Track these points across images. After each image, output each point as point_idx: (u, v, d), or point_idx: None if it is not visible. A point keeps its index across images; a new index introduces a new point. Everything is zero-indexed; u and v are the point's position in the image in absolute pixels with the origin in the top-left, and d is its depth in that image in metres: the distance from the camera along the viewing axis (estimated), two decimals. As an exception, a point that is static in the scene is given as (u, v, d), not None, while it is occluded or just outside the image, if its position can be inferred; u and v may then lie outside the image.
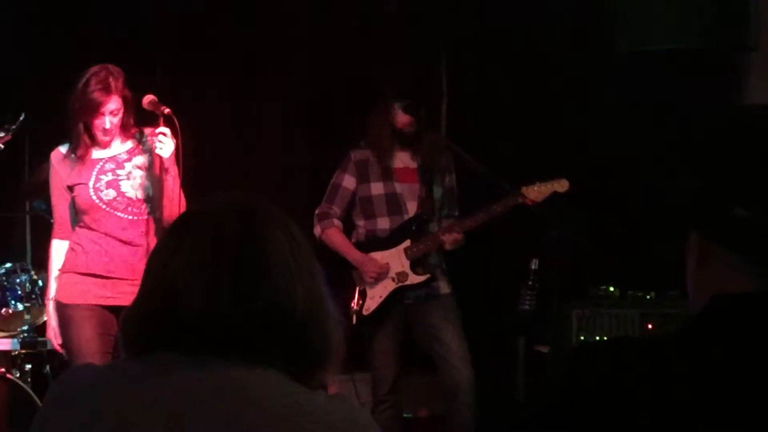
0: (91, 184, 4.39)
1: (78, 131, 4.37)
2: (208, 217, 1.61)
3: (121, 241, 4.38)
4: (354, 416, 1.54)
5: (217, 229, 1.58)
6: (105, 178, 4.40)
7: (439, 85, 6.12)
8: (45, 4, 6.22)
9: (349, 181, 5.04)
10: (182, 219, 1.66)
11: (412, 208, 4.99)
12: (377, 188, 5.00)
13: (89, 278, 4.38)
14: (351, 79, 6.22)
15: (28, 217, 6.08)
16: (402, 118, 4.92)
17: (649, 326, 5.48)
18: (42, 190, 5.08)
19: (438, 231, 4.98)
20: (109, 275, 4.37)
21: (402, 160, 5.02)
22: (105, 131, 4.34)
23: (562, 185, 4.91)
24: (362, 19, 6.35)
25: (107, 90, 4.27)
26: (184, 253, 1.57)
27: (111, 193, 4.38)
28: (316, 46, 6.38)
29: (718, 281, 1.45)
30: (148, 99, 4.33)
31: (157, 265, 1.60)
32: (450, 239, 4.94)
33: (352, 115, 5.46)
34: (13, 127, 4.75)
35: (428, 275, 4.97)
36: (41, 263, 5.35)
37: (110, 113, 4.31)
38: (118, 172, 4.41)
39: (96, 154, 4.44)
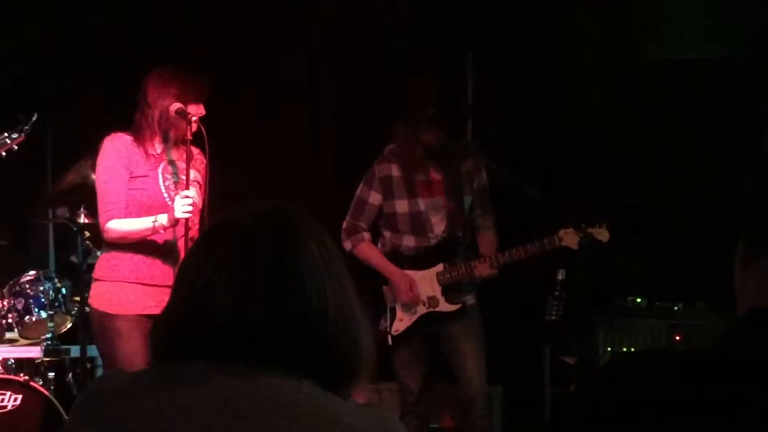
0: (160, 180, 4.31)
1: (160, 121, 4.27)
2: (241, 225, 1.59)
3: (167, 245, 4.29)
4: (386, 425, 1.53)
5: (249, 237, 1.57)
6: (171, 179, 4.34)
7: (466, 98, 6.08)
8: (68, 12, 6.24)
9: (375, 198, 5.01)
10: (215, 227, 1.64)
11: (437, 224, 4.94)
12: (402, 206, 4.96)
13: (134, 286, 4.28)
14: (377, 92, 6.21)
15: (52, 224, 6.09)
16: (429, 132, 4.88)
17: (677, 338, 5.44)
18: (65, 197, 5.08)
19: (473, 261, 4.91)
20: (154, 283, 4.28)
21: (428, 172, 4.97)
22: (191, 126, 4.23)
23: (602, 235, 4.80)
24: (389, 32, 6.35)
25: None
26: (216, 260, 1.56)
27: None
28: (343, 58, 6.38)
29: (760, 288, 1.43)
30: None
31: (189, 273, 1.59)
32: (485, 274, 4.90)
33: (378, 128, 5.44)
34: (26, 128, 4.68)
35: (459, 305, 4.93)
36: (65, 271, 5.36)
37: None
38: (182, 177, 4.32)
39: (160, 151, 4.35)
